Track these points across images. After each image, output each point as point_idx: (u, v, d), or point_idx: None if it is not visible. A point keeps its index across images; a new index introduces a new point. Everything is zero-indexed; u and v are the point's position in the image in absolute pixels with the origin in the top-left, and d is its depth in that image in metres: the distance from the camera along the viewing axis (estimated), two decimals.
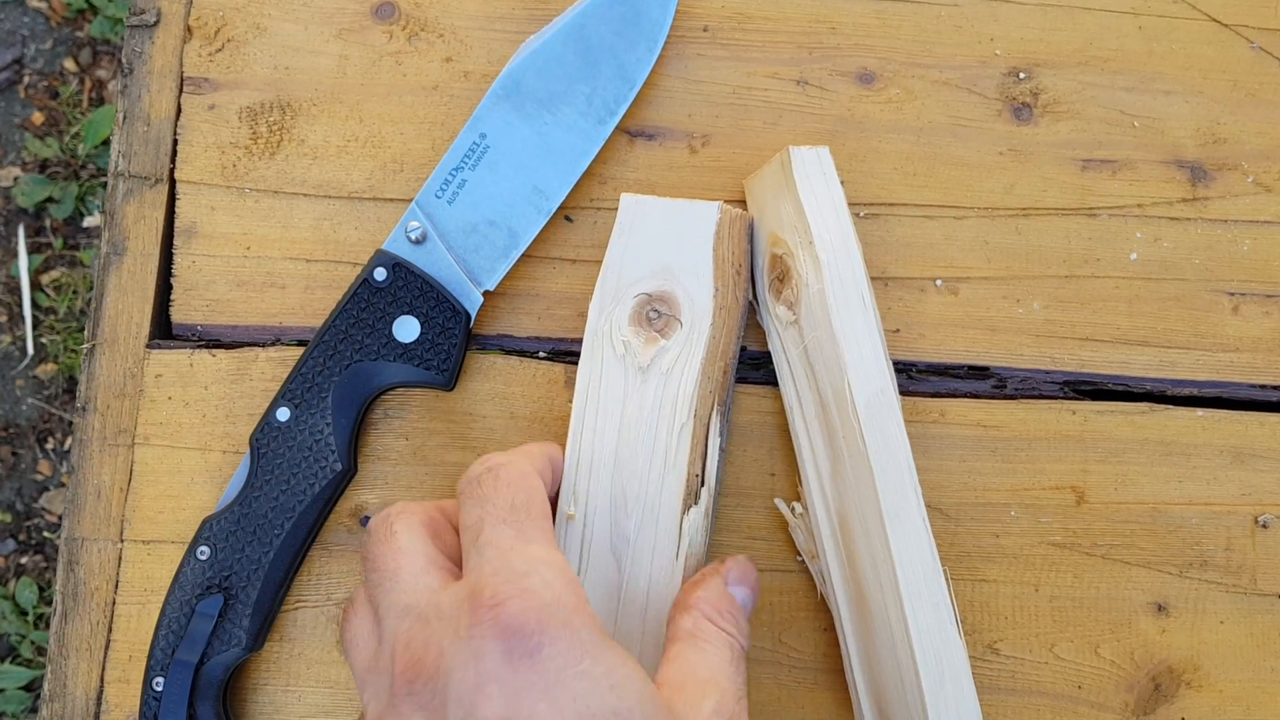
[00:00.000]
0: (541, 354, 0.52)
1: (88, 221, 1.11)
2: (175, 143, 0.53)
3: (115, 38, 1.13)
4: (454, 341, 0.50)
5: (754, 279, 0.52)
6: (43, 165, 1.10)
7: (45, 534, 1.08)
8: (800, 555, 0.50)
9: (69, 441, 1.09)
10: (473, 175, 0.51)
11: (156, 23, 0.54)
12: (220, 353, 0.51)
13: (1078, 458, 0.52)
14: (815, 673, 0.50)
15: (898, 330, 0.53)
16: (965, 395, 0.52)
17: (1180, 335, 0.53)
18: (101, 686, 0.49)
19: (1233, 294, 0.53)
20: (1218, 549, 0.51)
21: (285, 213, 0.52)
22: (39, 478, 1.08)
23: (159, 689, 0.46)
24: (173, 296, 0.52)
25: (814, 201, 0.49)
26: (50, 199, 1.10)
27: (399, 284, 0.49)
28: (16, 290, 1.09)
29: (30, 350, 1.09)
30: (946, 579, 0.45)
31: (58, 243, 1.10)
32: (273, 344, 0.51)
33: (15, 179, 1.10)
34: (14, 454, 1.08)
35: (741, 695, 0.40)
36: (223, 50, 0.53)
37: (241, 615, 0.47)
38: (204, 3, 0.54)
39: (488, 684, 0.34)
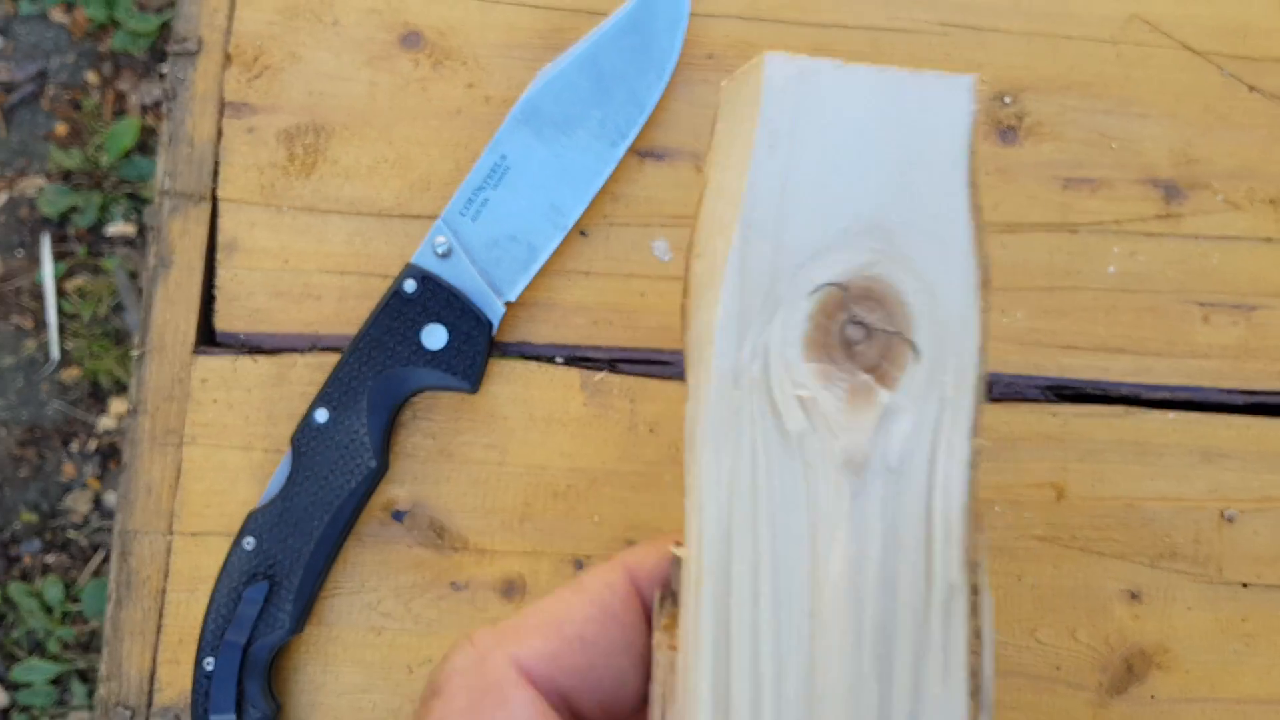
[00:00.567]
0: (558, 360, 0.56)
1: (110, 230, 1.15)
2: (217, 163, 0.57)
3: (136, 51, 1.17)
4: (478, 348, 0.53)
5: None
6: (66, 175, 1.14)
7: (69, 534, 1.11)
8: None
9: (92, 444, 1.12)
10: (494, 194, 0.55)
11: (198, 51, 0.57)
12: (261, 358, 0.55)
13: (1058, 457, 0.56)
14: None
15: None
16: None
17: (1154, 343, 0.57)
18: (154, 667, 0.53)
19: (1203, 304, 0.57)
20: (1187, 541, 0.55)
21: (320, 228, 0.56)
22: (63, 479, 1.12)
23: (210, 668, 0.50)
24: (216, 306, 0.55)
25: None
26: (74, 208, 1.14)
27: (427, 295, 0.53)
28: (41, 297, 1.13)
29: (55, 355, 1.13)
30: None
31: (81, 250, 1.14)
32: (310, 350, 0.55)
33: (40, 189, 1.14)
34: (39, 456, 1.12)
35: None
36: (260, 77, 0.57)
37: (285, 600, 0.51)
38: (242, 32, 0.57)
39: None
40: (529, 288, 0.56)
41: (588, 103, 0.56)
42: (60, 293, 1.13)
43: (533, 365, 0.56)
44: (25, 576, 1.11)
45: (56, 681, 1.10)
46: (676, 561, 0.30)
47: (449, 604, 0.54)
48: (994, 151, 0.58)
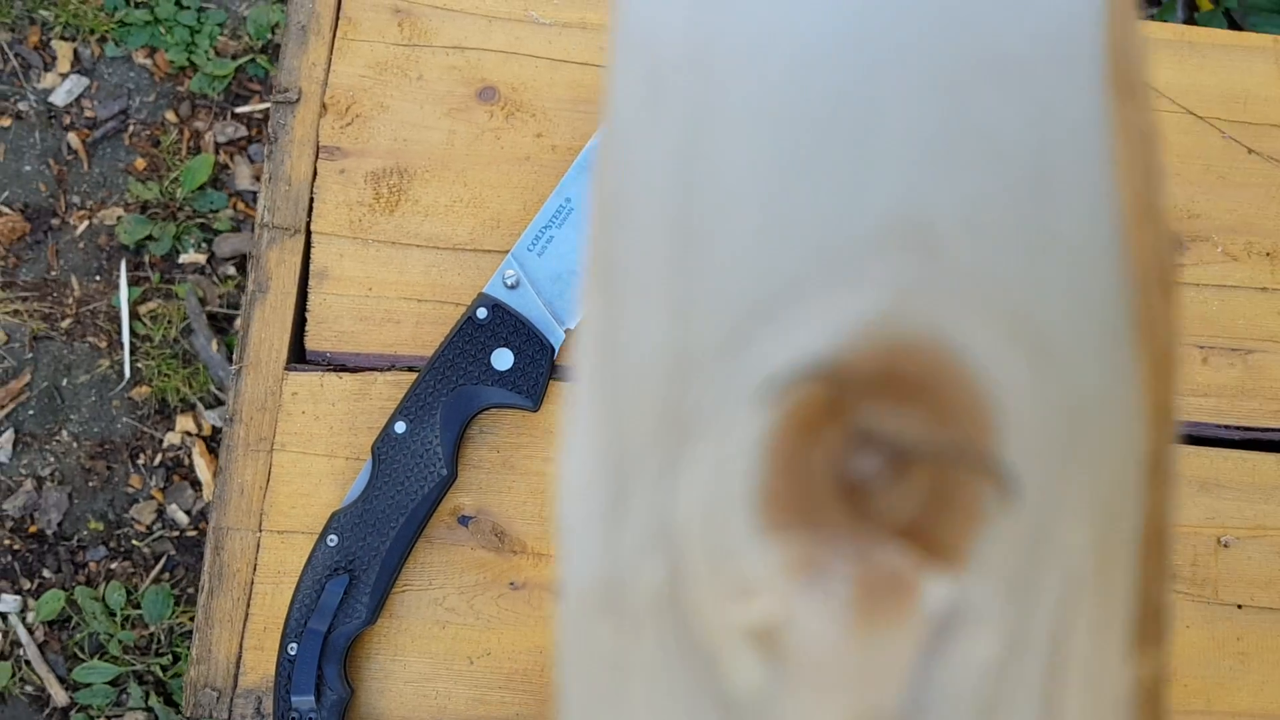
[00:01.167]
0: None
1: (183, 258, 1.22)
2: (311, 200, 0.63)
3: (213, 93, 1.24)
4: (542, 370, 0.59)
5: None
6: (144, 206, 1.22)
7: (134, 542, 1.18)
8: None
9: (158, 458, 1.19)
10: (559, 232, 0.61)
11: (298, 100, 0.64)
12: (345, 375, 0.61)
13: None
14: None
15: None
16: None
17: None
18: (240, 652, 0.59)
19: (1203, 348, 0.62)
20: (1185, 564, 0.60)
21: (401, 260, 0.62)
22: (130, 490, 1.19)
23: (293, 653, 0.56)
24: (307, 328, 0.62)
25: None
26: (150, 237, 1.21)
27: (497, 321, 0.59)
28: (116, 319, 1.20)
29: (127, 374, 1.20)
30: None
31: (155, 277, 1.22)
32: (389, 369, 0.61)
33: (118, 218, 1.22)
34: (108, 468, 1.19)
35: None
36: (352, 124, 0.64)
37: (363, 593, 0.56)
38: (337, 84, 0.64)
39: None
40: None
41: None
42: (133, 315, 1.20)
43: None
44: (90, 582, 1.18)
45: (115, 683, 1.16)
46: None
47: (508, 602, 0.59)
48: None
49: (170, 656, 1.16)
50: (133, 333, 1.20)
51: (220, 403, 1.20)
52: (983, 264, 0.14)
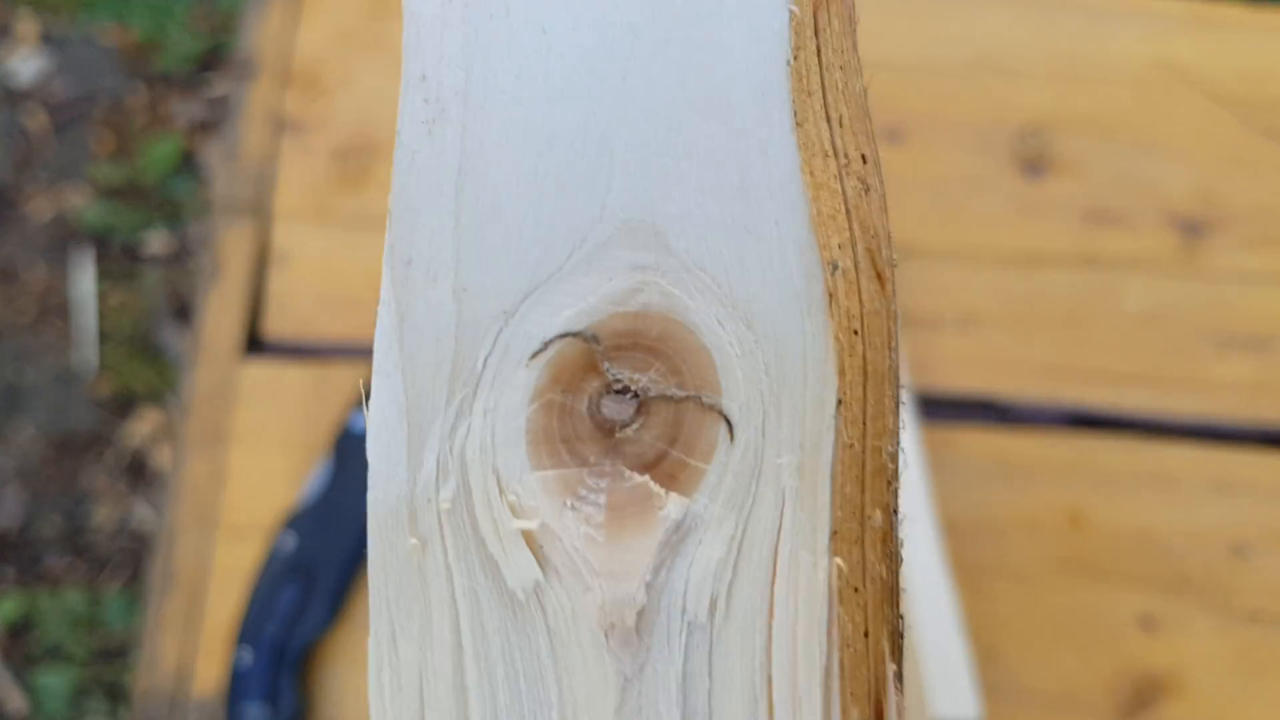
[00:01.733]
0: None
1: (150, 247, 1.18)
2: (271, 179, 0.59)
3: (182, 72, 1.20)
4: None
5: None
6: (109, 191, 1.18)
7: (97, 543, 1.14)
8: None
9: (123, 456, 1.15)
10: None
11: (257, 71, 0.60)
12: (305, 364, 0.57)
13: (1075, 485, 0.57)
14: None
15: (915, 365, 0.58)
16: (975, 426, 0.58)
17: (1171, 376, 0.59)
18: (191, 659, 0.55)
19: (1219, 341, 0.59)
20: (1199, 572, 0.57)
21: (366, 243, 0.58)
22: (93, 490, 1.14)
23: (244, 659, 0.52)
24: (266, 313, 0.58)
25: None
26: (115, 224, 1.17)
27: None
28: (79, 310, 1.16)
29: (90, 367, 1.15)
30: (953, 588, 0.50)
31: (121, 266, 1.17)
32: (352, 357, 0.57)
33: (84, 204, 1.17)
34: (71, 466, 1.15)
35: None
36: (315, 98, 0.60)
37: (321, 597, 0.52)
38: (300, 56, 0.60)
39: None
40: None
41: None
42: (98, 306, 1.16)
43: None
44: (51, 584, 1.13)
45: (77, 689, 1.11)
46: None
47: None
48: (1019, 187, 0.60)
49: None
50: (97, 324, 1.15)
51: None
52: (700, 255, 0.19)
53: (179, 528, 0.56)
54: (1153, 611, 0.56)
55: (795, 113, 0.19)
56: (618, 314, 0.19)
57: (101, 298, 1.16)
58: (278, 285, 0.58)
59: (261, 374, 0.57)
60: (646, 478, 0.19)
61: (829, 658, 0.19)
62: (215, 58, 1.22)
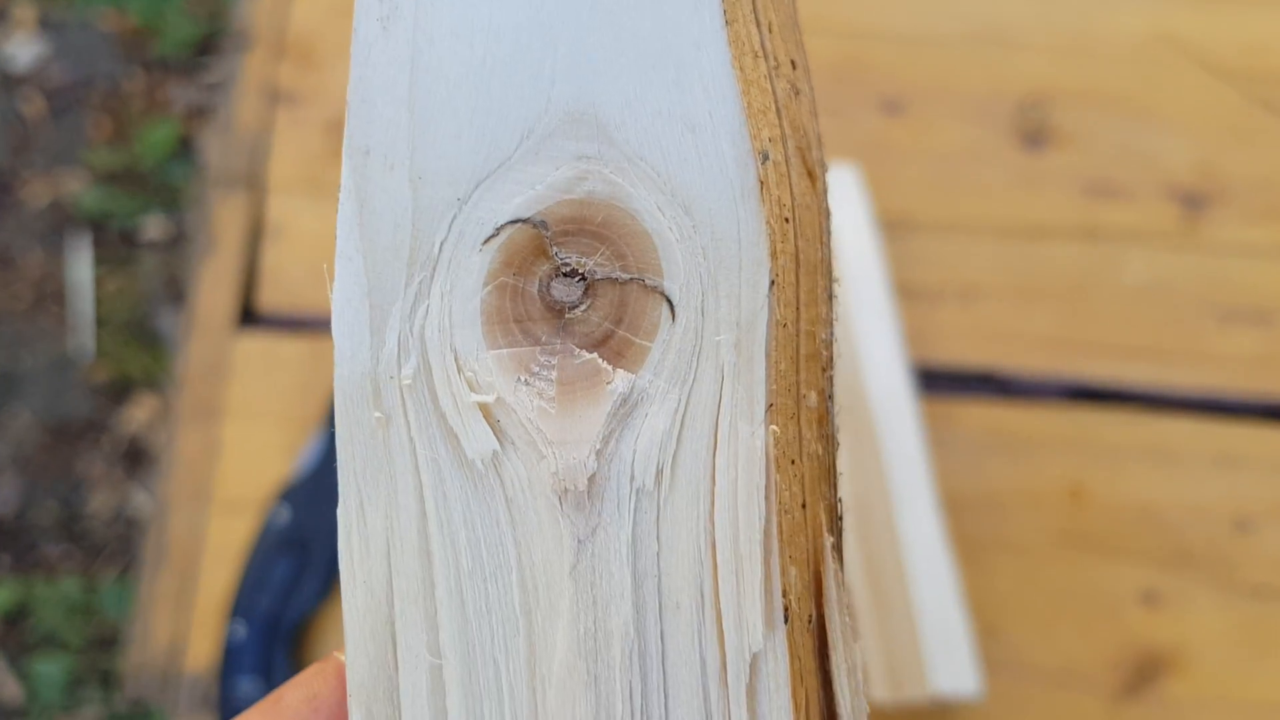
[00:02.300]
0: None
1: (147, 232, 1.17)
2: (266, 151, 0.59)
3: (180, 56, 1.20)
4: None
5: None
6: (106, 176, 1.17)
7: (94, 531, 1.13)
8: None
9: (120, 443, 1.14)
10: None
11: (252, 44, 0.60)
12: (299, 338, 0.56)
13: (1076, 459, 0.57)
14: None
15: (915, 338, 0.58)
16: (975, 399, 0.57)
17: (1173, 349, 0.58)
18: (184, 634, 0.54)
19: (1220, 314, 0.58)
20: (1202, 546, 0.56)
21: None
22: (89, 476, 1.14)
23: (238, 633, 0.51)
24: (260, 286, 0.57)
25: (837, 217, 0.52)
26: (112, 209, 1.16)
27: None
28: (77, 296, 1.15)
29: (87, 354, 1.15)
30: (954, 563, 0.50)
31: (117, 251, 1.17)
32: None
33: (80, 190, 1.17)
34: (67, 453, 1.14)
35: None
36: (310, 71, 0.59)
37: (316, 571, 0.52)
38: (295, 28, 0.60)
39: None
40: None
41: None
42: (96, 292, 1.15)
43: None
44: (47, 572, 1.13)
45: (72, 677, 1.11)
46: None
47: None
48: (1019, 159, 0.60)
49: None
50: (94, 310, 1.15)
51: None
52: (641, 145, 0.20)
53: (172, 502, 0.55)
54: (1154, 586, 0.56)
55: (725, 11, 0.20)
56: (564, 201, 0.20)
57: (98, 283, 1.16)
58: (272, 258, 0.57)
59: (255, 347, 0.56)
60: (595, 355, 0.20)
61: (768, 520, 0.20)
62: (212, 43, 1.22)
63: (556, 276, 0.20)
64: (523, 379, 0.20)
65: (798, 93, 0.21)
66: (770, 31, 0.21)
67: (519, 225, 0.20)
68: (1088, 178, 0.59)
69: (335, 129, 0.58)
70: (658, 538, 0.20)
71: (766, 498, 0.20)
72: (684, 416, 0.20)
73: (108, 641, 1.11)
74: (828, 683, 0.21)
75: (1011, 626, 0.55)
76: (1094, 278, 0.58)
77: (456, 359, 0.20)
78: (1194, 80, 0.61)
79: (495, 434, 0.20)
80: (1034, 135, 0.60)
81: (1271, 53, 0.61)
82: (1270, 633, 0.56)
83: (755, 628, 0.20)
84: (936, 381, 0.58)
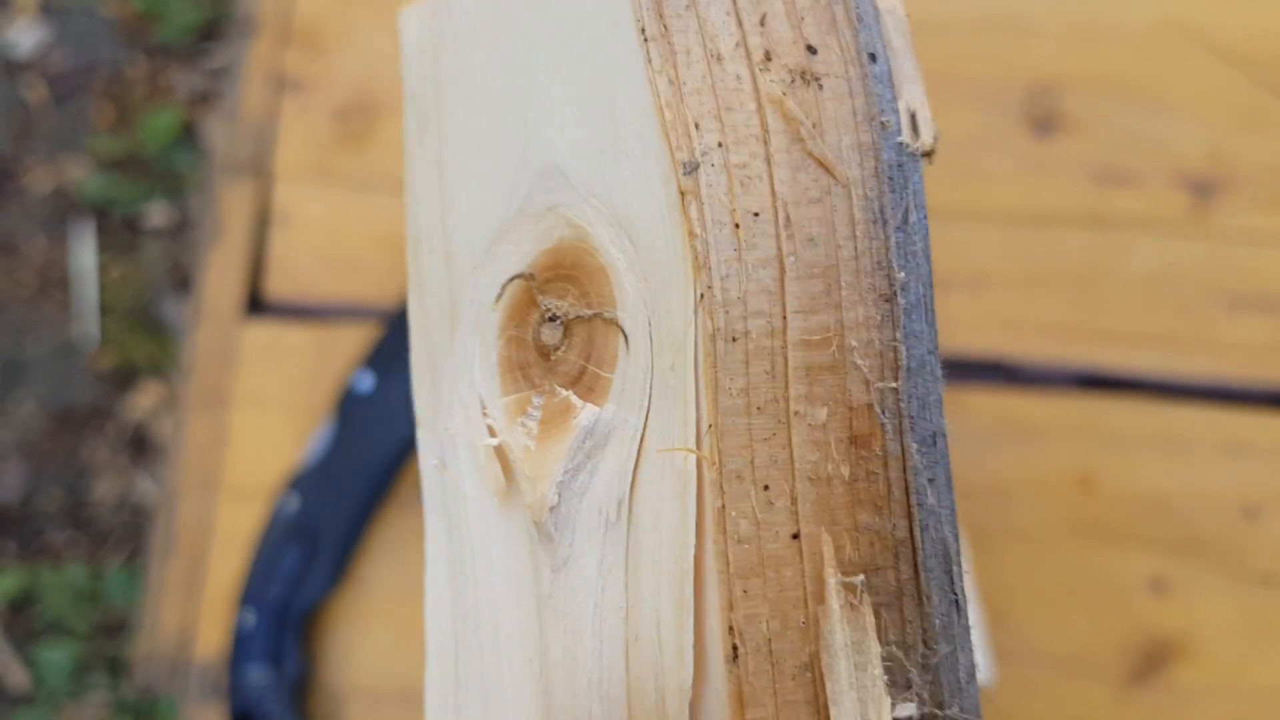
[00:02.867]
0: None
1: (151, 219, 1.17)
2: (272, 138, 0.58)
3: (182, 44, 1.19)
4: None
5: None
6: (110, 163, 1.17)
7: (99, 518, 1.13)
8: None
9: (125, 430, 1.14)
10: None
11: (258, 30, 0.59)
12: (306, 326, 0.56)
13: (1085, 447, 0.57)
14: None
15: None
16: (984, 387, 0.57)
17: (1182, 337, 0.58)
18: (193, 621, 0.54)
19: (1230, 302, 0.58)
20: (1210, 534, 0.56)
21: (368, 203, 0.58)
22: (94, 463, 1.14)
23: (248, 621, 0.51)
24: (267, 275, 0.57)
25: None
26: (116, 196, 1.16)
27: None
28: (80, 283, 1.15)
29: (91, 341, 1.15)
30: (966, 551, 0.50)
31: (121, 238, 1.16)
32: (354, 319, 0.57)
33: (84, 176, 1.17)
34: (72, 440, 1.14)
35: None
36: (316, 57, 0.59)
37: (324, 559, 0.52)
38: (301, 14, 0.59)
39: None
40: None
41: None
42: (99, 279, 1.15)
43: None
44: (53, 559, 1.13)
45: (78, 664, 1.11)
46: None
47: None
48: (1028, 146, 0.59)
49: None
50: (98, 297, 1.15)
51: None
52: (593, 183, 0.20)
53: (180, 491, 0.55)
54: (1163, 574, 0.56)
55: (643, 27, 0.20)
56: (544, 250, 0.21)
57: (102, 270, 1.15)
58: (278, 246, 0.57)
59: (263, 335, 0.56)
60: (569, 392, 0.21)
61: (700, 549, 0.19)
62: (215, 29, 1.21)
63: (543, 322, 0.21)
64: (521, 421, 0.21)
65: (810, 79, 0.20)
66: (763, 24, 0.20)
67: (516, 281, 0.22)
68: (1097, 165, 0.59)
69: (342, 116, 0.58)
70: (625, 568, 0.20)
71: (699, 525, 0.19)
72: (640, 445, 0.20)
73: (114, 628, 1.12)
74: None
75: (1020, 614, 0.55)
76: (1103, 265, 0.58)
77: (483, 406, 0.22)
78: (1204, 67, 0.60)
79: (505, 473, 0.22)
80: (1043, 122, 0.60)
81: None
82: (1278, 620, 0.56)
83: (685, 665, 0.19)
84: (944, 369, 0.57)
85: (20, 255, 1.16)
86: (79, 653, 1.10)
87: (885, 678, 0.19)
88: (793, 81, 0.20)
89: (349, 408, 0.53)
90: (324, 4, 0.59)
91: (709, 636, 0.19)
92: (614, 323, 0.20)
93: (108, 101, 1.18)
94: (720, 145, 0.19)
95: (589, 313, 0.21)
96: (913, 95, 0.21)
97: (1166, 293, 0.58)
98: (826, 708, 0.18)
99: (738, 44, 0.20)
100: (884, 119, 0.20)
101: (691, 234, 0.19)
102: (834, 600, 0.19)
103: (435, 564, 0.24)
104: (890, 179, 0.20)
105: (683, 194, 0.19)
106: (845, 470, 0.19)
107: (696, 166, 0.19)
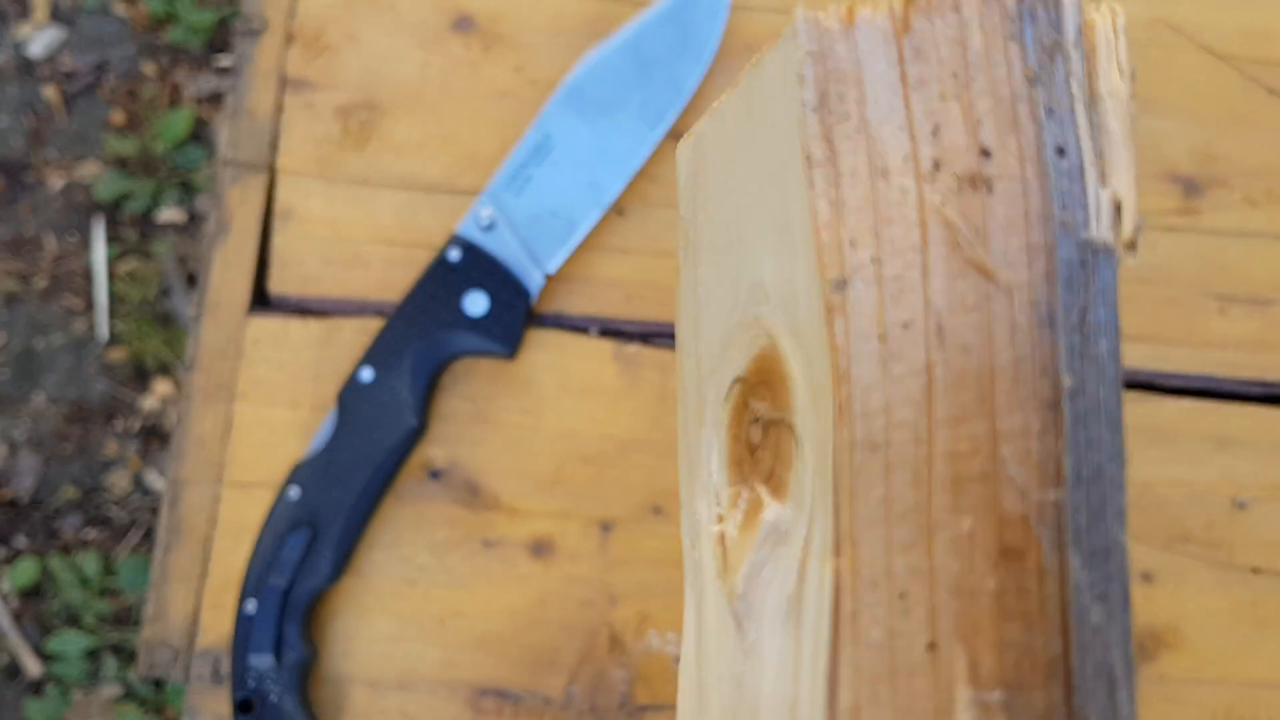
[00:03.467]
0: (593, 332, 0.59)
1: (161, 216, 1.18)
2: (276, 136, 0.59)
3: (193, 45, 1.21)
4: (517, 316, 0.56)
5: None
6: (121, 162, 1.18)
7: (110, 509, 1.15)
8: None
9: (135, 423, 1.16)
10: (538, 171, 0.57)
11: (263, 30, 0.61)
12: (310, 321, 0.57)
13: None
14: None
15: None
16: None
17: (1172, 333, 0.59)
18: (198, 611, 0.55)
19: (1220, 298, 0.59)
20: (1199, 526, 0.57)
21: (371, 200, 0.59)
22: (105, 457, 1.16)
23: (251, 610, 0.52)
24: (270, 271, 0.58)
25: None
26: (127, 194, 1.18)
27: (470, 263, 0.56)
28: (92, 279, 1.17)
29: (103, 336, 1.16)
30: None
31: (132, 236, 1.18)
32: (357, 314, 0.58)
33: (95, 175, 1.18)
34: (83, 433, 1.16)
35: None
36: (320, 56, 0.60)
37: (326, 548, 0.53)
38: (305, 14, 0.60)
39: None
40: (568, 261, 0.58)
41: (629, 86, 0.58)
42: (111, 276, 1.17)
43: (568, 336, 0.58)
44: (65, 550, 1.15)
45: (90, 654, 1.13)
46: None
47: (481, 560, 0.56)
48: None
49: None
50: (109, 293, 1.16)
51: None
52: (781, 296, 0.22)
53: (186, 481, 0.56)
54: (1152, 566, 0.56)
55: (809, 155, 0.20)
56: (752, 357, 0.23)
57: (114, 267, 1.17)
58: (282, 243, 0.58)
59: (268, 329, 0.57)
60: (763, 488, 0.23)
61: (834, 650, 0.19)
62: (226, 30, 1.23)
63: (752, 422, 0.23)
64: (733, 512, 0.23)
65: (980, 184, 0.20)
66: (935, 134, 0.20)
67: (736, 383, 0.24)
68: None
69: (346, 114, 0.59)
70: (795, 661, 0.21)
71: (835, 628, 0.19)
72: (808, 544, 0.21)
73: (125, 618, 1.13)
74: None
75: None
76: None
77: (716, 496, 0.24)
78: (1195, 64, 0.61)
79: (721, 559, 0.23)
80: None
81: (1274, 37, 0.61)
82: (1268, 611, 0.56)
83: None
84: None
85: (33, 252, 1.18)
86: (91, 641, 1.12)
87: None
88: (960, 189, 0.20)
89: (349, 398, 0.54)
90: (327, 3, 0.60)
91: None
92: (789, 424, 0.22)
93: (120, 101, 1.20)
94: (874, 260, 0.19)
95: (776, 415, 0.22)
96: (1120, 184, 0.20)
97: (1157, 289, 0.59)
98: None
99: (906, 157, 0.20)
100: (1064, 217, 0.20)
101: (834, 348, 0.19)
102: (964, 714, 0.18)
103: (688, 632, 0.25)
104: (1067, 279, 0.20)
105: (829, 309, 0.20)
106: (992, 583, 0.19)
107: (845, 283, 0.20)
